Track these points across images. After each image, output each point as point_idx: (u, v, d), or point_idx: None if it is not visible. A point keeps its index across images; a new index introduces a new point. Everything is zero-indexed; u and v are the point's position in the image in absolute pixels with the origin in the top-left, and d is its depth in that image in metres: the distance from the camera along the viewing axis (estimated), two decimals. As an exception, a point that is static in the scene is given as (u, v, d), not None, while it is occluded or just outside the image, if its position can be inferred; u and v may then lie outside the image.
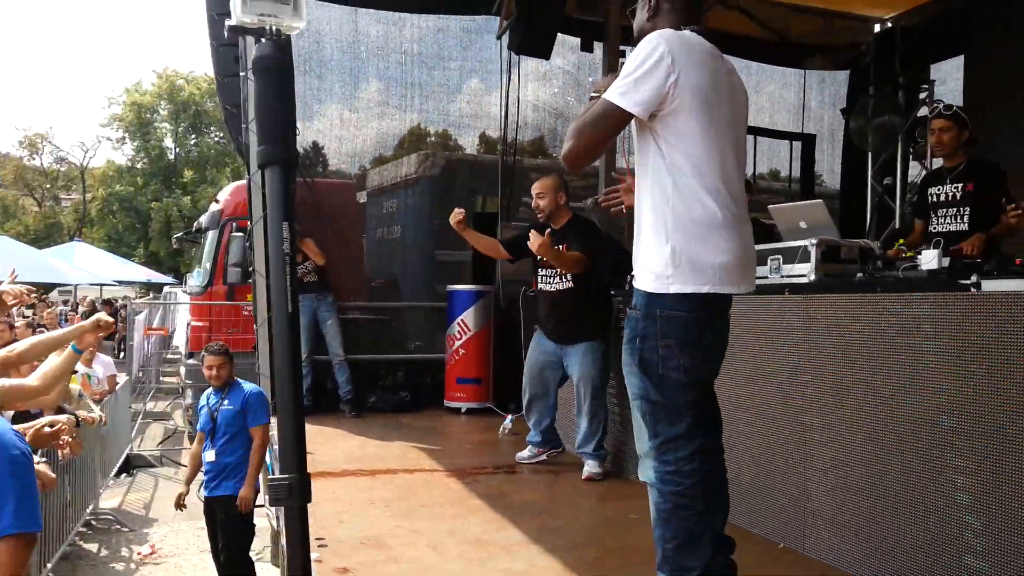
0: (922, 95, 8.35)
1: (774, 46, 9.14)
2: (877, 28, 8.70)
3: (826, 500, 3.26)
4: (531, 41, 7.41)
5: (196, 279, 9.94)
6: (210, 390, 4.75)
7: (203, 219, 10.23)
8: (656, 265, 2.34)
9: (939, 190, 4.61)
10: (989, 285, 2.79)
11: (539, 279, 5.05)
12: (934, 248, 3.31)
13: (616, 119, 2.32)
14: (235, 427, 4.55)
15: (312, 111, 7.67)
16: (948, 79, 8.52)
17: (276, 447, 4.99)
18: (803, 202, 4.20)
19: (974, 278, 2.80)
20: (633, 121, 2.35)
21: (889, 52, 8.27)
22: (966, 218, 4.47)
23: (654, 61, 2.26)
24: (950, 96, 8.27)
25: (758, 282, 3.96)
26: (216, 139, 36.57)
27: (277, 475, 2.22)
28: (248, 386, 4.70)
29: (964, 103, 7.33)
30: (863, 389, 3.07)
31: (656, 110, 2.29)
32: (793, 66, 9.48)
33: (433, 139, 8.65)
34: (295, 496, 2.11)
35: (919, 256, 3.39)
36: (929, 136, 4.71)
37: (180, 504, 5.04)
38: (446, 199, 8.94)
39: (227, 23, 2.27)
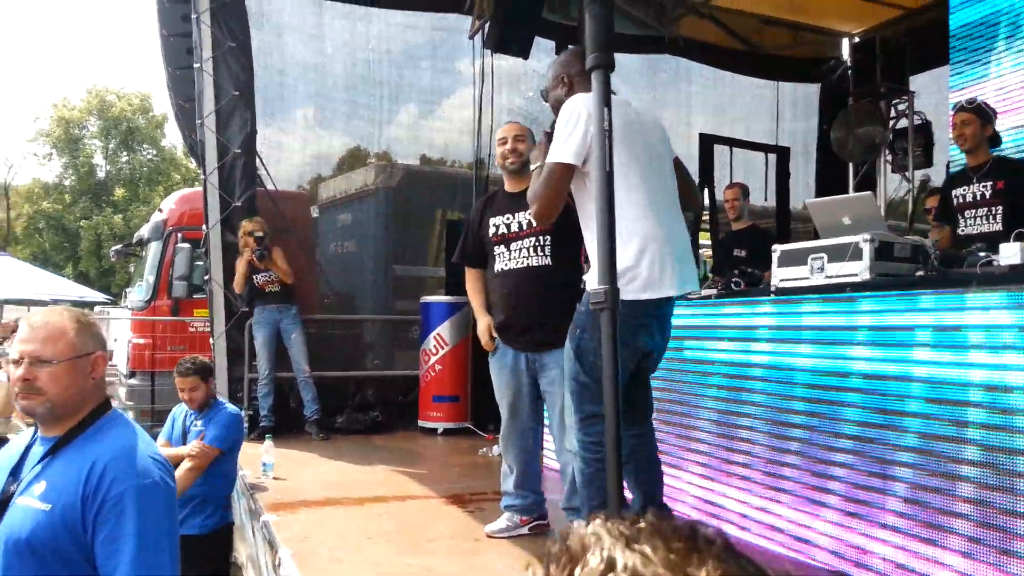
0: (902, 106, 8.25)
1: (746, 57, 9.00)
2: (845, 43, 8.62)
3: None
4: (510, 39, 7.01)
5: (138, 293, 9.20)
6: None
7: (145, 230, 9.57)
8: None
9: (965, 191, 4.35)
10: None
11: (498, 257, 3.57)
12: (1015, 240, 2.96)
13: (560, 173, 2.79)
14: (209, 452, 3.84)
15: (274, 109, 7.05)
16: (922, 92, 8.46)
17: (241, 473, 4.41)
18: (847, 195, 3.88)
19: None
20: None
21: (868, 63, 8.16)
22: (999, 217, 4.21)
23: (575, 120, 2.76)
24: (931, 108, 8.21)
25: (799, 283, 3.59)
26: (148, 156, 35.15)
27: (592, 289, 2.43)
28: (229, 408, 4.03)
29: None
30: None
31: (585, 156, 2.75)
32: (765, 77, 9.28)
33: (402, 144, 8.12)
34: (609, 300, 2.36)
35: (984, 253, 3.07)
36: (951, 131, 4.51)
37: None
38: (404, 212, 8.47)
39: None
